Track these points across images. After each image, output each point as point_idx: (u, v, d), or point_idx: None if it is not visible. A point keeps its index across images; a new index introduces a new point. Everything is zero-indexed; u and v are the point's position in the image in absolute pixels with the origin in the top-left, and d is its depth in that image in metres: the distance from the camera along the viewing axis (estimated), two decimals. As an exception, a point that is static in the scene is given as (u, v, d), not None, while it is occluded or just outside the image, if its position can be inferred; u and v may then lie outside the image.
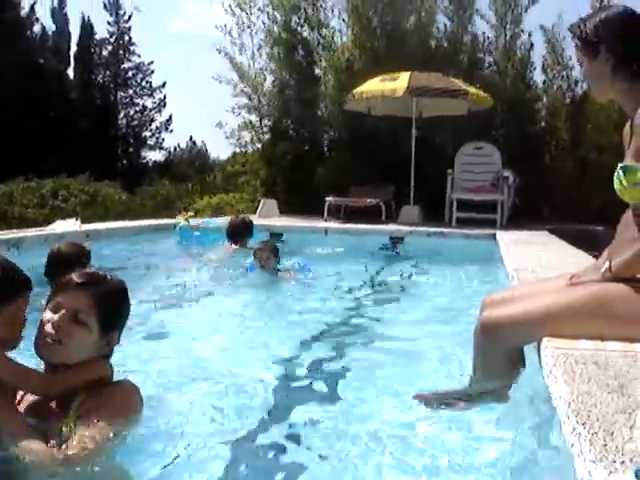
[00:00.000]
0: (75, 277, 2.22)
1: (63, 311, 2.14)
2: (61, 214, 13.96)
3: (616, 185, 2.58)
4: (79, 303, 2.16)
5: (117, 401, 2.18)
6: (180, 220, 9.63)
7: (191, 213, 9.68)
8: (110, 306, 2.24)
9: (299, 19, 14.68)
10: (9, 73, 27.62)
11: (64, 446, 1.95)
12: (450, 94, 11.62)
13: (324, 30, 14.87)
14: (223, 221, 9.20)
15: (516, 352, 2.75)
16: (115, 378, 2.35)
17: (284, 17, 14.56)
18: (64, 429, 2.04)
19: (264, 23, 14.78)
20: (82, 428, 2.01)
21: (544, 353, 2.40)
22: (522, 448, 2.39)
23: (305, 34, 14.82)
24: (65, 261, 4.40)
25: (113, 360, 2.36)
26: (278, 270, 6.60)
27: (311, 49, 14.88)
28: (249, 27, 14.74)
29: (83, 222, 9.59)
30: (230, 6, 14.65)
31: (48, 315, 2.16)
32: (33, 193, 16.48)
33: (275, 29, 14.74)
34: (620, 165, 2.56)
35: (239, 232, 7.70)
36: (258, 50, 14.86)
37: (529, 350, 2.71)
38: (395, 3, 13.92)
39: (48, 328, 2.12)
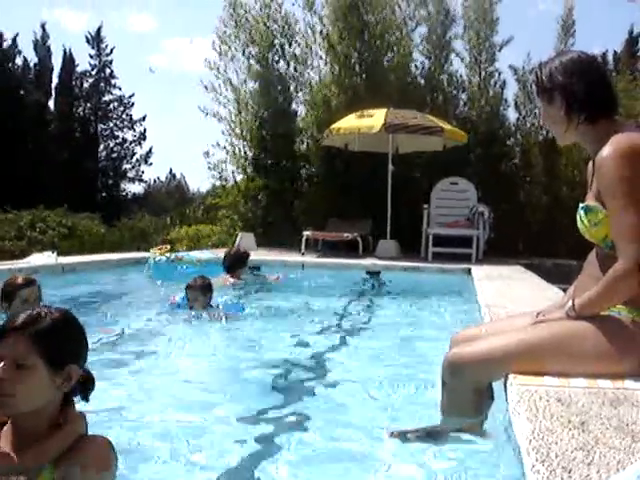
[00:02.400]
0: (7, 323, 2.09)
1: (3, 362, 2.01)
2: (39, 246, 13.90)
3: (579, 224, 2.67)
4: (17, 348, 2.03)
5: (92, 459, 2.10)
6: (156, 254, 9.15)
7: (167, 247, 9.38)
8: (54, 340, 2.10)
9: (275, 55, 14.85)
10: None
11: None
12: (426, 131, 11.76)
13: (301, 66, 15.06)
14: (204, 255, 9.13)
15: (484, 388, 2.80)
16: None
17: (261, 52, 14.71)
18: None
19: (247, 59, 14.94)
20: None
21: (510, 390, 2.46)
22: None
23: (282, 69, 14.99)
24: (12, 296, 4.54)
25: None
26: (210, 307, 6.27)
27: (288, 84, 15.04)
28: (232, 60, 14.86)
29: (61, 255, 9.53)
30: (214, 42, 14.77)
31: None
32: (11, 225, 16.37)
33: (252, 64, 14.88)
34: (581, 205, 2.65)
35: (235, 264, 8.19)
36: (243, 84, 14.98)
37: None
38: (373, 41, 14.16)
39: None
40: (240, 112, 14.88)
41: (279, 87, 14.88)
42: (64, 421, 2.13)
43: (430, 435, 2.86)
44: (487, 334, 2.86)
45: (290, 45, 14.88)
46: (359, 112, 12.10)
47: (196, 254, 9.55)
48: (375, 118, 11.61)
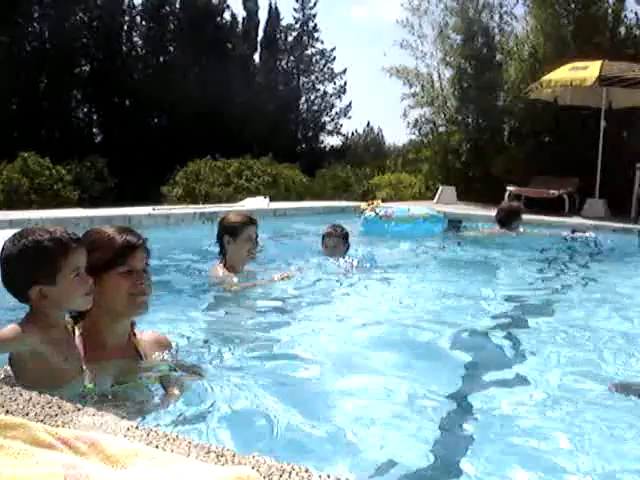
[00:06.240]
0: (137, 240, 2.54)
1: (143, 270, 2.54)
2: (244, 192, 14.65)
3: None
4: (145, 260, 2.56)
5: (162, 341, 2.80)
6: (366, 210, 8.82)
7: (378, 202, 9.19)
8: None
9: (477, 5, 14.57)
10: (201, 58, 29.21)
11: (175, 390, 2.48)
12: (644, 85, 11.10)
13: (505, 17, 14.72)
14: (417, 210, 9.04)
15: None
16: None
17: (460, 4, 14.50)
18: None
19: (444, 9, 14.84)
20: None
21: None
22: None
23: (485, 20, 14.71)
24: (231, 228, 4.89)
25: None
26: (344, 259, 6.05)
27: (491, 35, 14.73)
28: (425, 13, 14.81)
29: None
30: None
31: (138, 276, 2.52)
32: (219, 172, 17.29)
33: (451, 18, 14.73)
34: None
35: (508, 217, 8.62)
36: (439, 35, 14.88)
37: None
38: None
39: (144, 287, 2.52)
40: (438, 65, 14.85)
41: (481, 39, 14.61)
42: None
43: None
44: None
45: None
46: (571, 64, 11.62)
47: (407, 209, 9.05)
48: (589, 70, 11.10)
